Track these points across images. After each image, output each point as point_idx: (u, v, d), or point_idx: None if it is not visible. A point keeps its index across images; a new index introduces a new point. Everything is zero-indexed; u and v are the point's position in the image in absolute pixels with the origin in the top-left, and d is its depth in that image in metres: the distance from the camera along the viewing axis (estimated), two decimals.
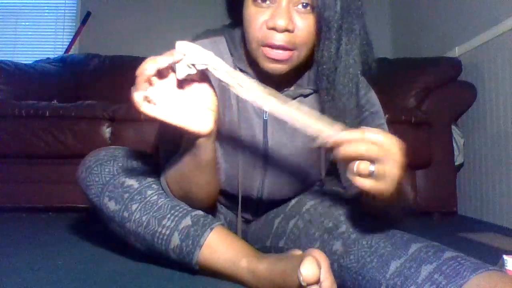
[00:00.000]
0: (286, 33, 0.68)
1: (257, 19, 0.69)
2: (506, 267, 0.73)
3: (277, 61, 0.70)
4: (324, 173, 0.89)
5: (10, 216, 1.55)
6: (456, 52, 2.00)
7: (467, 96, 1.86)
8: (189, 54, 0.56)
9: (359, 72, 0.73)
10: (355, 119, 0.75)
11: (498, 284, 0.53)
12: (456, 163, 1.86)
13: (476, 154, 1.86)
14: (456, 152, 1.85)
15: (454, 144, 1.85)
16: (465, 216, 1.88)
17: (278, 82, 0.77)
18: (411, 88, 1.84)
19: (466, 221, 1.78)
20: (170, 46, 0.57)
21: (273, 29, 0.68)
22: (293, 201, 0.89)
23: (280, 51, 0.69)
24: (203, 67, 0.58)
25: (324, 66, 0.71)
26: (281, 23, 0.66)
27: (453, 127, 1.86)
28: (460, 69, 1.86)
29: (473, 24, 1.90)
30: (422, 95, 1.82)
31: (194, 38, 0.81)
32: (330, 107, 0.73)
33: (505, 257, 0.74)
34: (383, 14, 2.96)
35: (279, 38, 0.68)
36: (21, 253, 0.96)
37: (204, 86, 0.61)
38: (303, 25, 0.69)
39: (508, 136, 1.63)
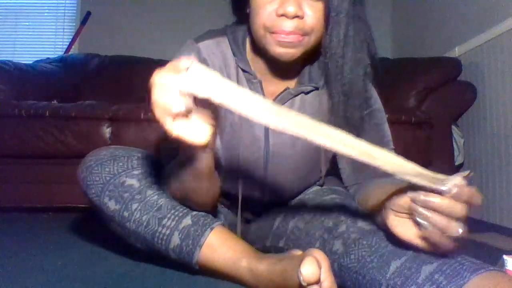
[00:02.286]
0: (296, 19, 0.69)
1: (266, 8, 0.70)
2: (506, 267, 0.73)
3: (288, 44, 0.71)
4: (324, 172, 0.89)
5: (10, 216, 1.55)
6: (456, 52, 2.00)
7: (467, 96, 1.86)
8: (194, 77, 0.48)
9: (366, 56, 0.74)
10: (362, 102, 0.75)
11: (499, 285, 0.53)
12: (456, 163, 1.86)
13: (476, 154, 1.86)
14: (456, 152, 1.85)
15: (454, 144, 1.85)
16: None
17: (286, 72, 0.78)
18: (411, 88, 1.84)
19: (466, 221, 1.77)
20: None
21: (283, 15, 0.68)
22: (293, 201, 0.89)
23: (291, 35, 0.70)
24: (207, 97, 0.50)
25: (333, 51, 0.72)
26: (291, 9, 0.67)
27: (453, 127, 1.86)
28: (460, 69, 1.86)
29: (473, 24, 1.90)
30: (422, 95, 1.82)
31: (197, 39, 0.81)
32: (337, 92, 0.74)
33: (505, 257, 0.74)
34: (384, 14, 2.96)
35: (289, 25, 0.69)
36: (21, 253, 0.96)
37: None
38: (312, 12, 0.70)
39: (508, 136, 1.63)
